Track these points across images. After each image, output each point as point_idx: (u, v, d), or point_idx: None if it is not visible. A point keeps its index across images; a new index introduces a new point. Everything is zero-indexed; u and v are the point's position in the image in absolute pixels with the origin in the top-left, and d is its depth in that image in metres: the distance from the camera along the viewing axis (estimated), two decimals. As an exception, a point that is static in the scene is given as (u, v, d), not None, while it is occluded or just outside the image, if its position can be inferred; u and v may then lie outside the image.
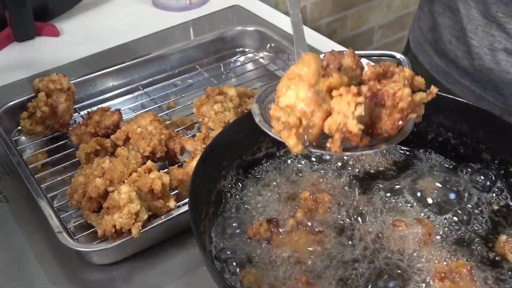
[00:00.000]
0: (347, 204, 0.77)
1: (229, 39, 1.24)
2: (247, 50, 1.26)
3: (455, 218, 0.73)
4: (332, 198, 0.76)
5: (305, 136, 0.59)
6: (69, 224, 0.84)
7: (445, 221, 0.73)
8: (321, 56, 0.61)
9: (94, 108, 1.03)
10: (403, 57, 0.86)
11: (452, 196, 0.76)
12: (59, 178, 0.93)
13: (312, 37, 1.31)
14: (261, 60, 1.24)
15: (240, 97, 0.99)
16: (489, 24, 1.05)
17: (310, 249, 0.70)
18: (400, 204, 0.76)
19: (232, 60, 1.24)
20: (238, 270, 0.69)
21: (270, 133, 0.62)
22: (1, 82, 1.18)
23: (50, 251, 0.84)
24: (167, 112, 1.08)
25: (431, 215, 0.74)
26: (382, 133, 0.59)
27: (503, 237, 0.70)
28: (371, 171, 0.82)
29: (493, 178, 0.77)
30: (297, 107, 0.58)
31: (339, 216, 0.75)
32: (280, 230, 0.73)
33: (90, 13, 1.43)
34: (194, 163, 0.85)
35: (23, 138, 1.02)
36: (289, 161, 0.83)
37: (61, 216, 0.84)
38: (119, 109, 1.00)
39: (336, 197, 0.77)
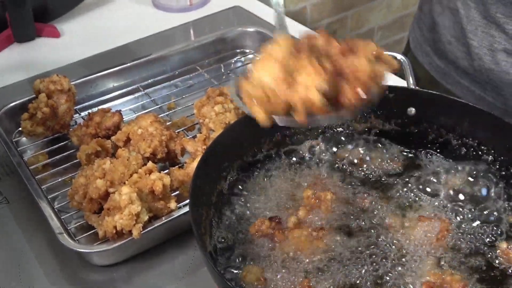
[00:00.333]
0: (349, 202, 0.77)
1: (229, 40, 1.24)
2: (247, 51, 1.26)
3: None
4: (334, 196, 0.76)
5: (274, 110, 0.64)
6: (70, 225, 0.84)
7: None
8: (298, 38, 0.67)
9: (95, 109, 1.02)
10: (403, 58, 0.86)
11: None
12: (59, 179, 0.93)
13: (312, 38, 1.31)
14: (261, 61, 1.24)
15: (240, 98, 0.99)
16: (489, 24, 1.05)
17: (313, 247, 0.71)
18: (405, 202, 0.76)
19: (233, 61, 1.24)
20: (239, 267, 0.69)
21: (243, 107, 0.66)
22: (1, 83, 1.18)
23: (50, 252, 0.84)
24: (167, 113, 1.07)
25: (431, 216, 0.74)
26: (346, 104, 0.64)
27: (503, 245, 0.70)
28: (374, 172, 0.82)
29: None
30: (267, 83, 0.64)
31: (341, 215, 0.75)
32: (283, 228, 0.73)
33: (90, 14, 1.43)
34: (194, 164, 0.85)
35: (23, 139, 1.02)
36: (290, 161, 0.83)
37: (61, 217, 0.84)
38: (120, 110, 1.00)
39: (338, 195, 0.77)
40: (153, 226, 0.80)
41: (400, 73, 0.92)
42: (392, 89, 0.83)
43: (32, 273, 0.81)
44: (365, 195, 0.77)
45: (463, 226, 0.73)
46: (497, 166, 0.77)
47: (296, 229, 0.72)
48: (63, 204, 0.88)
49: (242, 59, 1.24)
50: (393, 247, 0.71)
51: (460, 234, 0.72)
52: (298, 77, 0.63)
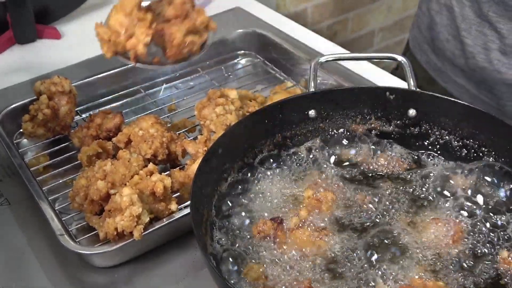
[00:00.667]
0: (350, 203, 0.77)
1: (230, 41, 1.24)
2: (248, 52, 1.26)
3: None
4: (335, 196, 0.77)
5: (116, 49, 0.89)
6: (71, 227, 0.84)
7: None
8: None
9: (96, 111, 1.03)
10: (404, 59, 0.86)
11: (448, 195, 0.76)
12: (60, 181, 0.93)
13: (313, 39, 1.31)
14: (262, 62, 1.24)
15: (241, 100, 0.99)
16: (482, 23, 1.05)
17: (314, 247, 0.71)
18: (407, 203, 0.76)
19: (234, 63, 1.24)
20: (241, 268, 0.69)
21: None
22: (2, 85, 1.18)
23: (51, 254, 0.84)
24: (168, 114, 1.08)
25: (432, 216, 0.74)
26: (168, 57, 0.90)
27: (504, 253, 0.69)
28: (374, 172, 0.82)
29: None
30: (113, 27, 0.87)
31: (342, 215, 0.75)
32: (284, 228, 0.73)
33: (91, 15, 1.43)
34: (195, 165, 0.85)
35: (24, 140, 1.02)
36: (291, 162, 0.83)
37: (62, 219, 0.84)
38: (121, 112, 1.00)
39: (339, 196, 0.77)
40: (154, 228, 0.80)
41: (401, 74, 0.92)
42: (393, 90, 0.83)
43: (33, 275, 0.81)
44: (366, 195, 0.77)
45: (468, 228, 0.72)
46: (498, 167, 0.77)
47: (297, 230, 0.73)
48: (64, 205, 0.88)
49: (243, 60, 1.25)
50: (394, 247, 0.71)
51: (465, 238, 0.72)
52: (136, 30, 0.86)
